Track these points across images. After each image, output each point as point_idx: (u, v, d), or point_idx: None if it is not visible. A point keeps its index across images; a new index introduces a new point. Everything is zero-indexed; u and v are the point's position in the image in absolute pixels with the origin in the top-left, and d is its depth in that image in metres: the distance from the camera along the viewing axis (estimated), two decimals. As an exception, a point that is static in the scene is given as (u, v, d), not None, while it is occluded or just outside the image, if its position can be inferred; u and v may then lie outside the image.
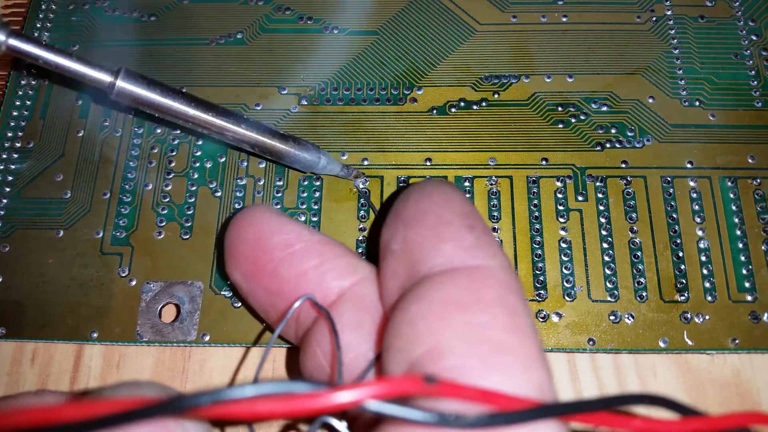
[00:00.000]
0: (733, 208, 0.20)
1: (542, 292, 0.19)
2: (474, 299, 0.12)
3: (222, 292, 0.20)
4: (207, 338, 0.19)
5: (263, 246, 0.15)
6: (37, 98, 0.23)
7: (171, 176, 0.21)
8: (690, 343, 0.18)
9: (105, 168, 0.22)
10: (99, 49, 0.23)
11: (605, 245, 0.20)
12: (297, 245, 0.15)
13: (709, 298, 0.19)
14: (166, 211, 0.21)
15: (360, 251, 0.20)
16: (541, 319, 0.19)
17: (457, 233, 0.14)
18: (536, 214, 0.20)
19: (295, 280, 0.15)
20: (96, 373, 0.19)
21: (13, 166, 0.22)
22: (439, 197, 0.15)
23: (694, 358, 0.19)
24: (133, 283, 0.20)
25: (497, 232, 0.20)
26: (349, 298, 0.15)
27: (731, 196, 0.20)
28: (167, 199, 0.21)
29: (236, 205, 0.21)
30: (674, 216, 0.20)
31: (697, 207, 0.20)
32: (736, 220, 0.20)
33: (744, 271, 0.19)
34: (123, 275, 0.20)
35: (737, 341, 0.18)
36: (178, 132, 0.22)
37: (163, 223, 0.21)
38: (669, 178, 0.21)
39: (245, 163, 0.21)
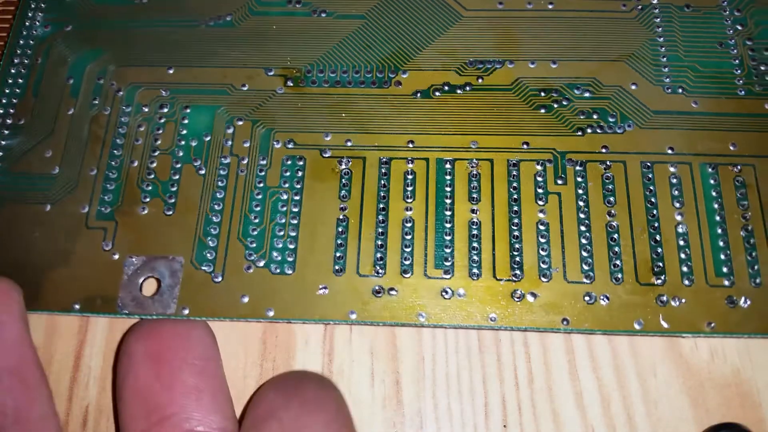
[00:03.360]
0: (713, 194, 0.20)
1: (518, 272, 0.19)
2: None
3: (202, 268, 0.19)
4: (186, 311, 0.19)
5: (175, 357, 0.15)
6: (30, 77, 0.23)
7: (156, 154, 0.21)
8: (665, 325, 0.18)
9: (93, 145, 0.21)
10: (91, 30, 0.23)
11: (582, 228, 0.19)
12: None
13: (686, 282, 0.19)
14: (150, 188, 0.21)
15: (340, 230, 0.20)
16: (516, 299, 0.18)
17: None
18: (515, 196, 0.20)
19: (187, 392, 0.15)
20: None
21: (3, 142, 0.22)
22: (336, 398, 0.16)
23: (693, 357, 0.18)
24: (116, 257, 0.20)
25: (476, 213, 0.20)
26: None
27: (711, 182, 0.20)
28: (152, 176, 0.21)
29: (219, 183, 0.20)
30: (653, 201, 0.20)
31: (676, 192, 0.20)
32: (716, 206, 0.19)
33: (722, 256, 0.19)
34: (106, 249, 0.20)
35: (713, 325, 0.18)
36: (165, 110, 0.22)
37: (147, 200, 0.20)
38: (649, 164, 0.20)
39: (230, 142, 0.21)
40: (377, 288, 0.19)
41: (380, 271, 0.19)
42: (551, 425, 0.17)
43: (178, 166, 0.21)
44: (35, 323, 0.19)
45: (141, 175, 0.21)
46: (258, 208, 0.20)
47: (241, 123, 0.21)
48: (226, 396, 0.16)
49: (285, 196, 0.20)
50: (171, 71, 0.22)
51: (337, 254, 0.19)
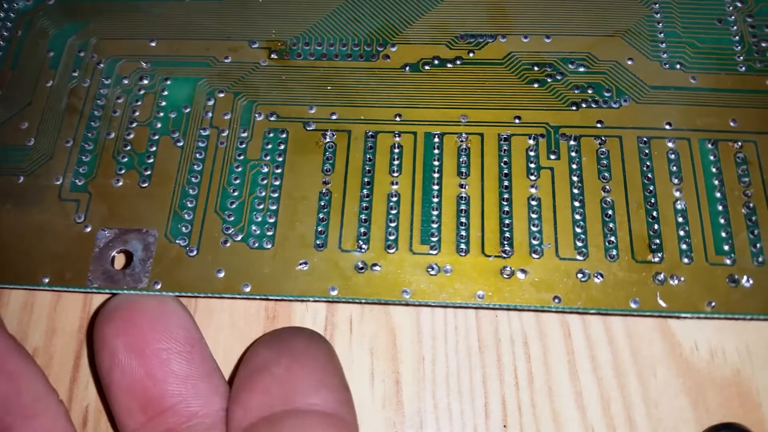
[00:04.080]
0: (713, 170, 0.19)
1: (508, 248, 0.18)
2: None
3: (177, 241, 0.18)
4: (158, 286, 0.18)
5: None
6: (8, 49, 0.22)
7: (134, 125, 0.20)
8: (663, 305, 0.17)
9: (70, 117, 0.20)
10: (74, 4, 0.22)
11: (576, 204, 0.18)
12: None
13: (685, 260, 0.17)
14: (126, 160, 0.20)
15: (322, 204, 0.19)
16: (506, 276, 0.17)
17: (337, 386, 0.15)
18: (506, 171, 0.19)
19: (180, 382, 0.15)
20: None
21: (-22, 114, 0.21)
22: (326, 350, 0.16)
23: (693, 357, 0.18)
24: (88, 229, 0.19)
25: (465, 188, 0.19)
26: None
27: (711, 158, 0.19)
28: (128, 148, 0.20)
29: (197, 155, 0.19)
30: (650, 176, 0.18)
31: (674, 168, 0.19)
32: (716, 182, 0.18)
33: (723, 234, 0.18)
34: (79, 221, 0.19)
35: (714, 305, 0.17)
36: (145, 82, 0.21)
37: (123, 171, 0.19)
38: (646, 139, 0.19)
39: (210, 114, 0.20)
40: (360, 264, 0.18)
41: (363, 246, 0.18)
42: (551, 425, 0.17)
43: (156, 138, 0.20)
44: (35, 325, 0.19)
45: (117, 147, 0.20)
46: (237, 181, 0.19)
47: (222, 95, 0.20)
48: (219, 374, 0.16)
49: (266, 169, 0.19)
50: (153, 44, 0.21)
51: (319, 229, 0.18)
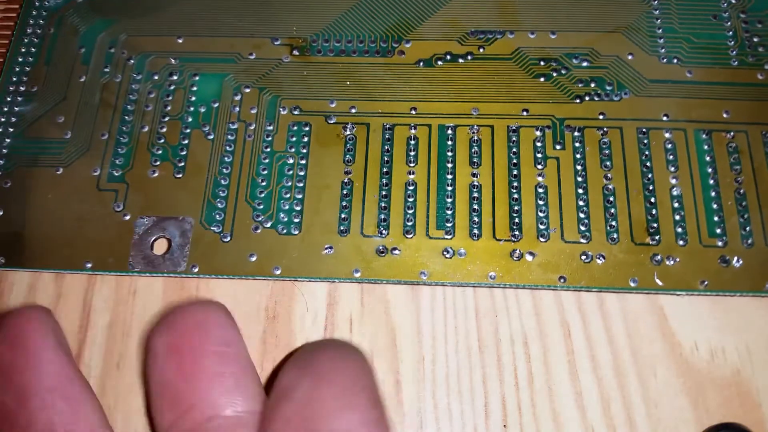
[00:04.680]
0: (707, 159, 0.20)
1: (517, 232, 0.19)
2: None
3: (211, 228, 0.19)
4: (196, 270, 0.19)
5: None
6: (42, 46, 0.23)
7: (166, 119, 0.21)
8: (660, 283, 0.18)
9: (104, 111, 0.21)
10: (102, 1, 0.23)
11: (580, 191, 0.19)
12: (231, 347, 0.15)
13: (681, 243, 0.19)
14: (160, 152, 0.21)
15: (344, 193, 0.20)
16: (515, 258, 0.19)
17: (365, 406, 0.14)
18: (515, 161, 0.20)
19: (208, 379, 0.15)
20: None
21: (17, 108, 0.22)
22: (354, 364, 0.15)
23: (693, 357, 0.18)
24: (127, 217, 0.20)
25: (476, 177, 0.20)
26: (248, 424, 0.14)
27: (705, 147, 0.20)
28: (162, 141, 0.21)
29: (227, 148, 0.21)
30: (648, 165, 0.20)
31: (671, 157, 0.20)
32: (710, 170, 0.20)
33: (715, 218, 0.19)
34: (118, 210, 0.20)
35: (706, 283, 0.18)
36: (175, 78, 0.22)
37: (158, 163, 0.21)
38: (645, 129, 0.20)
39: (237, 108, 0.21)
40: (381, 248, 0.19)
41: (384, 231, 0.19)
42: (551, 425, 0.17)
43: (188, 131, 0.21)
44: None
45: (151, 139, 0.21)
46: (265, 172, 0.20)
47: (248, 90, 0.21)
48: (252, 377, 0.15)
49: (291, 161, 0.20)
50: (180, 41, 0.22)
51: (342, 216, 0.19)
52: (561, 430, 0.17)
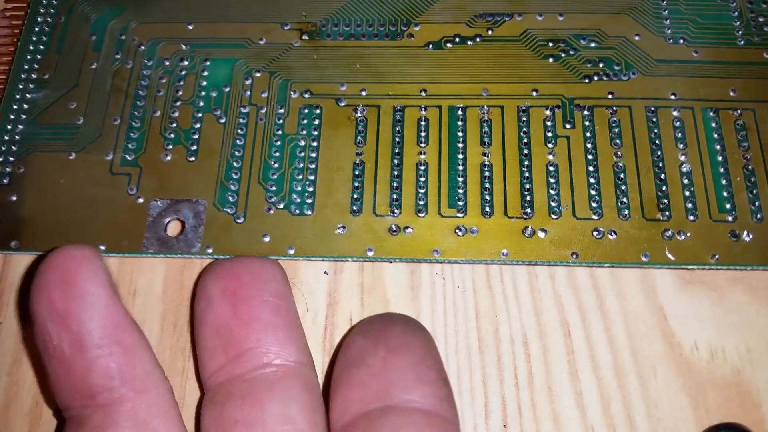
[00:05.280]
0: (715, 136, 0.20)
1: (529, 210, 0.19)
2: None
3: (225, 210, 0.19)
4: (210, 250, 0.19)
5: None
6: (53, 34, 0.23)
7: (178, 104, 0.21)
8: (671, 258, 0.18)
9: (116, 97, 0.21)
10: (112, -11, 0.23)
11: (591, 168, 0.19)
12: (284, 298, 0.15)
13: (691, 218, 0.19)
14: (173, 136, 0.21)
15: (356, 173, 0.20)
16: (527, 235, 0.19)
17: (435, 381, 0.14)
18: (525, 140, 0.20)
19: (263, 327, 0.15)
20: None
21: (29, 95, 0.22)
22: (424, 340, 0.15)
23: (693, 357, 0.18)
24: (141, 200, 0.20)
25: (487, 156, 0.20)
26: (300, 374, 0.15)
27: (713, 125, 0.20)
28: (174, 125, 0.21)
29: (239, 131, 0.20)
30: (657, 142, 0.20)
31: (679, 135, 0.20)
32: (718, 147, 0.20)
33: (725, 194, 0.19)
34: (131, 193, 0.20)
35: (717, 257, 0.18)
36: (186, 63, 0.22)
37: (170, 147, 0.20)
38: (653, 108, 0.20)
39: (248, 93, 0.21)
40: (393, 227, 0.19)
41: (396, 211, 0.19)
42: (551, 425, 0.17)
43: (199, 115, 0.21)
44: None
45: (163, 124, 0.21)
46: (277, 154, 0.20)
47: (259, 75, 0.21)
48: (300, 330, 0.16)
49: (303, 143, 0.20)
50: (190, 27, 0.22)
51: (354, 196, 0.19)
52: (561, 430, 0.17)
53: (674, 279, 0.18)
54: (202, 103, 0.21)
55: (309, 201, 0.19)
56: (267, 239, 0.19)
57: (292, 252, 0.19)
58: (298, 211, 0.19)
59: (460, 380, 0.18)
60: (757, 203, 0.19)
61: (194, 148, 0.20)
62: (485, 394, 0.17)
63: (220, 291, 0.15)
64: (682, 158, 0.19)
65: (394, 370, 0.14)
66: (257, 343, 0.15)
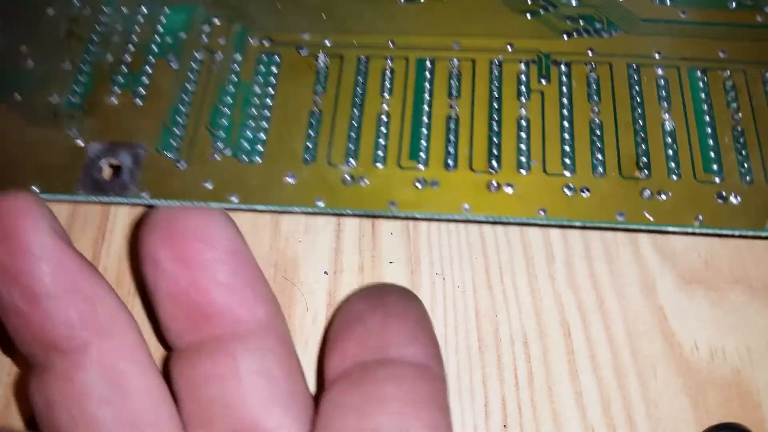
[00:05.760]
0: (702, 96, 0.18)
1: (495, 164, 0.17)
2: (433, 401, 0.13)
3: (167, 154, 0.18)
4: (146, 195, 0.17)
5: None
6: (11, -21, 0.22)
7: (132, 50, 0.20)
8: (650, 218, 0.16)
9: (70, 43, 0.20)
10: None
11: (565, 124, 0.18)
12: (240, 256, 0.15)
13: (674, 177, 0.17)
14: (122, 80, 0.19)
15: (312, 123, 0.18)
16: (492, 190, 0.17)
17: (429, 342, 0.14)
18: (496, 94, 0.18)
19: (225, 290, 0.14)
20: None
21: (-21, 38, 0.20)
22: (418, 307, 0.15)
23: (693, 357, 0.17)
24: (80, 143, 0.18)
25: (455, 109, 0.18)
26: (271, 326, 0.15)
27: (700, 84, 0.18)
28: (125, 70, 0.19)
29: (191, 76, 0.19)
30: (639, 100, 0.18)
31: (664, 93, 0.18)
32: (705, 106, 0.18)
33: (711, 154, 0.17)
34: (71, 135, 0.18)
35: (701, 218, 0.16)
36: (144, 11, 0.20)
37: (118, 91, 0.19)
38: (635, 65, 0.19)
39: (205, 39, 0.20)
40: (348, 177, 0.17)
41: (351, 161, 0.17)
42: (551, 425, 0.17)
43: (152, 60, 0.19)
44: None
45: (114, 68, 0.19)
46: (229, 100, 0.19)
47: (217, 22, 0.20)
48: (263, 281, 0.15)
49: (258, 90, 0.19)
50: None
51: (308, 145, 0.18)
52: (561, 430, 0.17)
53: (674, 279, 0.18)
54: (156, 49, 0.20)
55: (259, 148, 0.18)
56: (209, 186, 0.17)
57: (235, 200, 0.17)
58: (246, 159, 0.18)
59: (460, 380, 0.17)
60: (746, 165, 0.17)
61: (143, 92, 0.19)
62: (485, 394, 0.17)
63: (170, 257, 0.14)
64: (666, 116, 0.18)
65: (391, 329, 0.14)
66: (221, 307, 0.14)
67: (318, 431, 0.13)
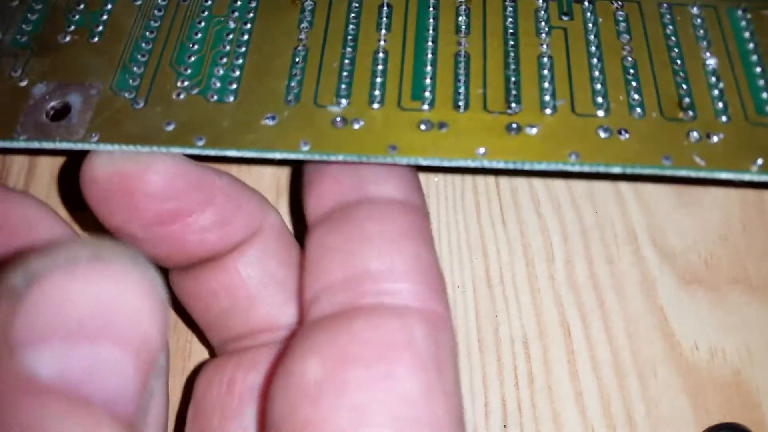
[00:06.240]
0: (746, 35, 0.16)
1: (514, 104, 0.14)
2: (415, 233, 0.13)
3: (123, 94, 0.15)
4: (95, 138, 0.14)
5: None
6: None
7: (90, -15, 0.17)
8: (701, 162, 0.13)
9: (17, -22, 0.17)
10: None
11: (594, 60, 0.15)
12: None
13: (723, 119, 0.14)
14: (77, 17, 0.16)
15: (296, 60, 0.15)
16: (512, 132, 0.14)
17: (406, 176, 0.14)
18: (512, 30, 0.16)
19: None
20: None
21: None
22: None
23: (693, 357, 0.17)
24: (24, 83, 0.15)
25: (464, 46, 0.15)
26: (269, 229, 0.14)
27: (743, 24, 0.16)
28: (81, 6, 0.17)
29: (156, 12, 0.16)
30: (674, 39, 0.16)
31: (702, 33, 0.16)
32: (750, 46, 0.15)
33: (764, 96, 0.15)
34: (14, 75, 0.15)
35: (760, 162, 0.13)
36: (106, -57, 0.18)
37: (72, 28, 0.16)
38: (666, 5, 0.16)
39: (175, -28, 0.17)
40: (338, 119, 0.14)
41: (343, 101, 0.15)
42: (551, 425, 0.17)
43: (113, -4, 0.17)
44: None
45: (68, 5, 0.17)
46: (198, 36, 0.16)
47: (190, -45, 0.17)
48: (242, 186, 0.15)
49: (233, 25, 0.16)
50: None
51: (292, 84, 0.15)
52: (561, 430, 0.16)
53: (674, 279, 0.18)
54: (118, -16, 0.17)
55: (232, 87, 0.15)
56: (170, 127, 0.14)
57: (201, 143, 0.14)
58: (216, 98, 0.15)
59: (459, 380, 0.16)
60: (807, 106, 0.14)
61: (99, 29, 0.16)
62: (485, 394, 0.17)
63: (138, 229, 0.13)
64: (707, 55, 0.15)
65: (366, 168, 0.14)
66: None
67: (306, 275, 0.13)
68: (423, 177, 0.18)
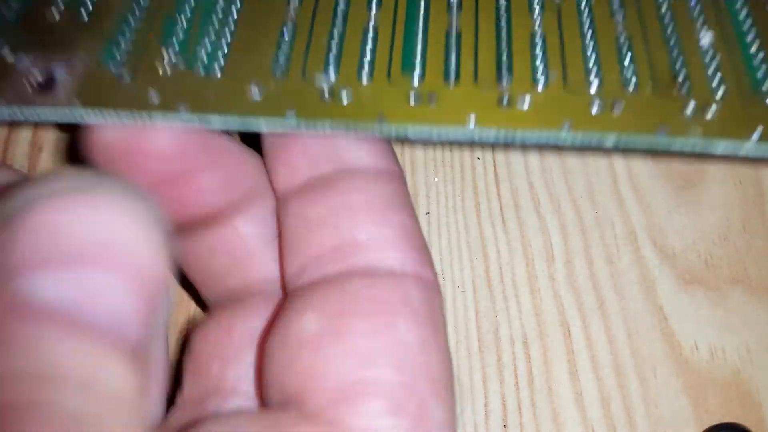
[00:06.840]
0: (740, 9, 0.15)
1: (506, 78, 0.14)
2: (400, 202, 0.13)
3: (109, 68, 0.14)
4: (80, 108, 0.14)
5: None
6: None
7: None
8: (697, 130, 0.13)
9: (9, -40, 0.17)
10: None
11: (587, 37, 0.15)
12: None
13: (719, 92, 0.14)
14: (67, -2, 0.16)
15: (285, 36, 0.15)
16: (503, 104, 0.14)
17: (378, 142, 0.14)
18: (503, 10, 0.15)
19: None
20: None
21: None
22: None
23: (693, 357, 0.17)
24: (9, 58, 0.15)
25: (454, 21, 0.15)
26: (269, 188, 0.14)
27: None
28: (72, -14, 0.16)
29: (149, -13, 0.16)
30: (667, 13, 0.15)
31: (697, 9, 0.15)
32: (747, 24, 0.15)
33: (759, 75, 0.14)
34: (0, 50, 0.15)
35: (759, 132, 0.13)
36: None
37: (62, 7, 0.16)
38: (662, -18, 0.16)
39: (166, -49, 0.17)
40: (325, 92, 0.14)
41: (331, 73, 0.14)
42: (551, 425, 0.17)
43: (104, -25, 0.16)
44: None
45: (59, -14, 0.16)
46: (187, 12, 0.15)
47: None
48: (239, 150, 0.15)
49: (222, 2, 0.16)
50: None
51: (279, 57, 0.14)
52: (561, 430, 0.16)
53: (674, 279, 0.18)
54: (109, -38, 0.17)
55: (220, 62, 0.14)
56: (155, 98, 0.14)
57: (184, 110, 0.13)
58: (203, 71, 0.14)
59: (460, 380, 0.17)
60: (804, 79, 0.14)
61: (87, 3, 0.16)
62: (485, 394, 0.17)
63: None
64: (701, 33, 0.15)
65: (340, 143, 0.14)
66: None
67: (288, 247, 0.12)
68: (423, 177, 0.18)
